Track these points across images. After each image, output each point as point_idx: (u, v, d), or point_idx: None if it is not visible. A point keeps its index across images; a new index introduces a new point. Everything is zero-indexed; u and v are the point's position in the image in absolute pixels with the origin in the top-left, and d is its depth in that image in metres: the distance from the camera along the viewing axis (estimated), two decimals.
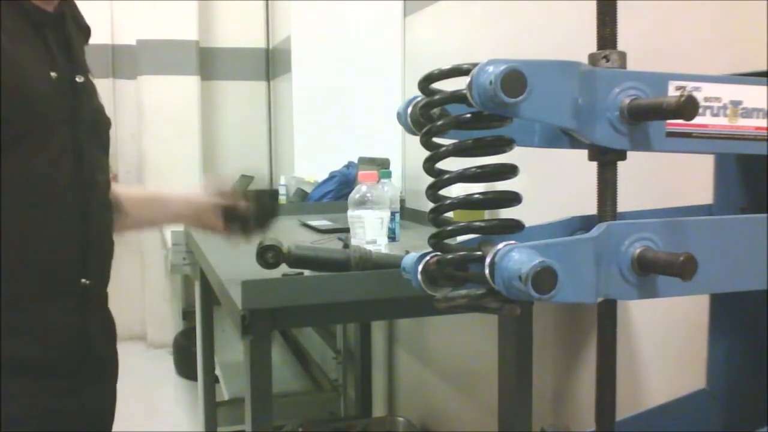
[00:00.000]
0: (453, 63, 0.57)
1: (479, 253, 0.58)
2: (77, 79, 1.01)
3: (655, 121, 0.59)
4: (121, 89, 4.09)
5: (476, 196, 0.60)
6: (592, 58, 0.60)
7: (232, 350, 2.95)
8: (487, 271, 0.54)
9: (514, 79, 0.52)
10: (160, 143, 3.98)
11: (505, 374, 1.39)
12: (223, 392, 2.72)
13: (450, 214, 0.62)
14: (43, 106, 0.94)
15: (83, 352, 1.01)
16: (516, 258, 0.52)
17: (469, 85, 0.53)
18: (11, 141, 0.90)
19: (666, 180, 1.19)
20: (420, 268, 0.62)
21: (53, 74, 0.97)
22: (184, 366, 3.50)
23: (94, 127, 1.04)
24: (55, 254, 0.96)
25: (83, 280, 1.00)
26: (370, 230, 1.53)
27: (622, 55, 0.59)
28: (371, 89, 2.62)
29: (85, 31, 1.09)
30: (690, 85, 0.61)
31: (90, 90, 1.06)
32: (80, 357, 1.01)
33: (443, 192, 0.61)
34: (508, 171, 0.60)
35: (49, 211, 0.95)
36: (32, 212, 0.94)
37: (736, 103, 0.63)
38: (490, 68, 0.52)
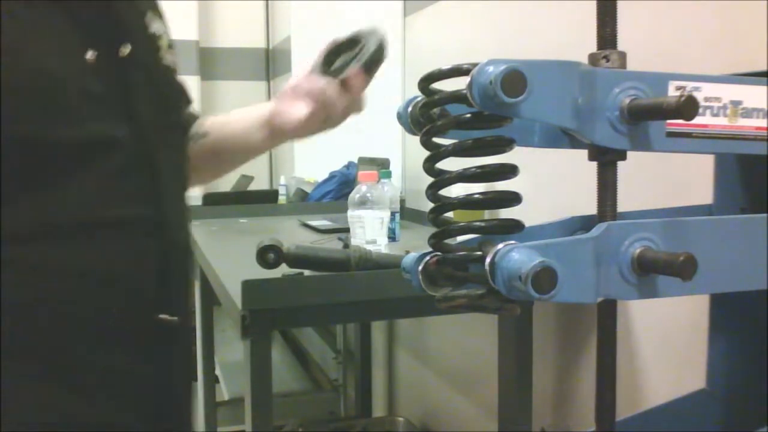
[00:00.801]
0: (453, 63, 0.56)
1: (479, 253, 0.58)
2: (121, 51, 0.76)
3: (655, 121, 0.59)
4: None
5: (476, 196, 0.60)
6: (592, 58, 0.60)
7: (232, 350, 2.95)
8: (487, 271, 0.54)
9: (514, 79, 0.52)
10: None
11: (505, 374, 1.39)
12: (223, 392, 2.72)
13: (450, 214, 0.62)
14: (83, 106, 0.72)
15: (167, 409, 0.83)
16: (516, 258, 0.52)
17: (469, 85, 0.53)
18: (53, 170, 0.70)
19: (666, 180, 1.19)
20: (420, 268, 0.62)
21: (90, 54, 0.72)
22: None
23: (163, 114, 0.82)
24: (126, 287, 0.77)
25: (162, 316, 0.80)
26: (370, 230, 1.53)
27: (622, 55, 0.59)
28: (371, 89, 2.62)
29: None
30: (690, 85, 0.61)
31: (146, 59, 0.80)
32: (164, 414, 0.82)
33: (443, 192, 0.61)
34: (508, 171, 0.60)
35: (112, 240, 0.75)
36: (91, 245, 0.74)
37: (736, 103, 0.63)
38: (490, 68, 0.52)
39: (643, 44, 1.10)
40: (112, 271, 0.75)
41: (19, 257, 0.70)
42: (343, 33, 0.96)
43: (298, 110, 0.93)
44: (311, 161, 3.45)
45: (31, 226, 0.70)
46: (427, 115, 0.61)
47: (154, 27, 0.84)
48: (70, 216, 0.72)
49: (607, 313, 0.64)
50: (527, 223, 0.63)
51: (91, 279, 0.74)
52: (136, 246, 0.77)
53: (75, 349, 0.74)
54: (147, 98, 0.79)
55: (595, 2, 0.60)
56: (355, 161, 2.49)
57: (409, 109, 0.63)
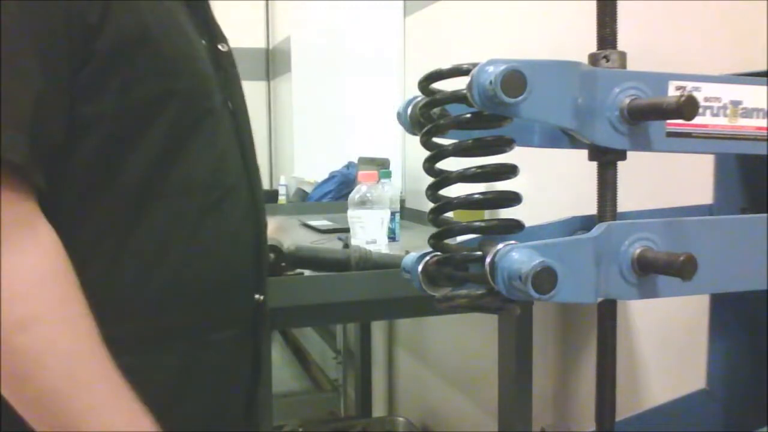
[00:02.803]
0: (453, 63, 0.56)
1: (479, 253, 0.58)
2: (220, 48, 0.87)
3: (655, 121, 0.59)
4: None
5: (476, 196, 0.60)
6: (592, 58, 0.60)
7: None
8: (487, 271, 0.54)
9: (514, 79, 0.52)
10: None
11: (505, 374, 1.39)
12: None
13: (450, 214, 0.62)
14: (210, 83, 0.81)
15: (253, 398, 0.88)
16: (516, 258, 0.52)
17: (469, 85, 0.53)
18: (188, 130, 0.76)
19: (666, 180, 1.19)
20: (420, 268, 0.62)
21: (204, 42, 0.83)
22: None
23: (245, 106, 0.91)
24: (232, 268, 0.81)
25: (257, 296, 0.85)
26: (370, 230, 1.53)
27: (622, 55, 0.59)
28: (371, 89, 2.62)
29: None
30: (690, 85, 0.61)
31: (234, 61, 0.92)
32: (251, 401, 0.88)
33: (443, 192, 0.61)
34: (508, 171, 0.60)
35: (225, 216, 0.80)
36: (207, 220, 0.78)
37: (736, 103, 0.63)
38: (490, 68, 0.52)
39: (643, 44, 1.10)
40: (236, 236, 0.82)
41: (157, 208, 0.74)
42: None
43: None
44: (311, 161, 3.46)
45: (177, 181, 0.76)
46: (427, 115, 0.62)
47: None
48: (205, 175, 0.78)
49: (607, 313, 0.64)
50: (527, 223, 0.63)
51: (222, 240, 0.79)
52: (239, 218, 0.82)
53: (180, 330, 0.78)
54: (240, 89, 0.90)
55: (595, 2, 0.60)
56: (355, 161, 2.49)
57: (409, 109, 0.63)
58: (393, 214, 1.69)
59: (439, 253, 0.62)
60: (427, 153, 0.60)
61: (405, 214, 2.10)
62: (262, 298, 0.86)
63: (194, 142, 0.77)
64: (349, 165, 2.56)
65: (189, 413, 0.79)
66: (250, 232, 0.84)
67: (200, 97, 0.78)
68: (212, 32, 0.87)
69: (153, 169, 0.74)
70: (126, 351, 0.71)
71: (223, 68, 0.86)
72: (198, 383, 0.80)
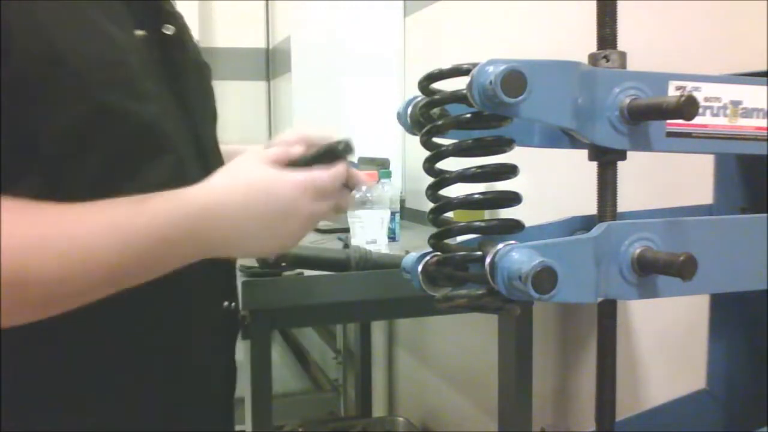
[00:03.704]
0: (453, 63, 0.56)
1: (479, 253, 0.58)
2: (165, 31, 0.77)
3: (655, 121, 0.59)
4: None
5: (476, 196, 0.60)
6: (592, 58, 0.60)
7: None
8: (487, 271, 0.54)
9: (514, 79, 0.52)
10: None
11: (505, 374, 1.39)
12: None
13: (450, 214, 0.62)
14: (142, 83, 0.71)
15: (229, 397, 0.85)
16: (516, 258, 0.52)
17: (469, 85, 0.53)
18: (129, 142, 0.69)
19: (666, 180, 1.19)
20: (420, 268, 0.62)
21: (138, 33, 0.74)
22: None
23: (205, 100, 0.83)
24: (199, 274, 0.74)
25: (226, 303, 0.82)
26: (370, 230, 1.53)
27: (622, 55, 0.59)
28: (371, 89, 2.62)
29: None
30: (690, 85, 0.60)
31: (187, 41, 0.82)
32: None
33: (443, 192, 0.61)
34: (508, 171, 0.60)
35: None
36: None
37: (736, 103, 0.63)
38: (490, 68, 0.52)
39: (643, 44, 1.10)
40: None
41: None
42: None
43: None
44: None
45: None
46: (427, 115, 0.61)
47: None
48: (161, 181, 0.70)
49: (607, 313, 0.64)
50: (527, 223, 0.63)
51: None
52: None
53: (153, 340, 0.74)
54: (192, 80, 0.81)
55: (595, 2, 0.60)
56: (355, 161, 2.49)
57: (409, 109, 0.63)
58: (393, 214, 1.69)
59: (439, 253, 0.62)
60: (427, 153, 0.60)
61: (405, 214, 2.10)
62: (232, 305, 0.82)
63: (141, 152, 0.71)
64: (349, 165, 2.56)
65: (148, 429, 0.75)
66: None
67: (133, 102, 0.70)
68: (155, 15, 0.77)
69: (100, 190, 0.66)
70: (81, 369, 0.69)
71: (169, 55, 0.77)
72: (157, 395, 0.76)
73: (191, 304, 0.77)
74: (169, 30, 0.78)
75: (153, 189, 0.68)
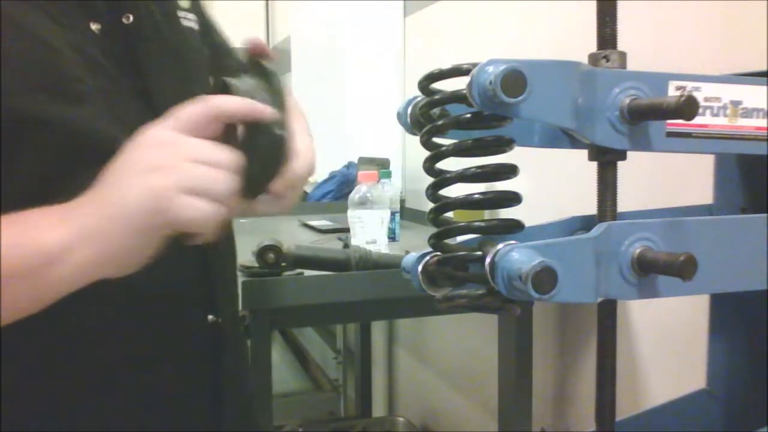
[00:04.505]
0: (453, 63, 0.56)
1: (479, 253, 0.58)
2: (125, 20, 0.72)
3: (655, 121, 0.59)
4: None
5: (476, 196, 0.60)
6: (592, 58, 0.60)
7: None
8: (487, 271, 0.54)
9: (514, 79, 0.52)
10: None
11: (505, 374, 1.39)
12: None
13: (450, 214, 0.62)
14: (86, 78, 0.66)
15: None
16: (516, 258, 0.52)
17: (469, 85, 0.53)
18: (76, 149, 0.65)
19: (666, 180, 1.19)
20: (420, 268, 0.62)
21: (94, 26, 0.69)
22: None
23: (183, 90, 0.73)
24: (163, 289, 0.71)
25: (211, 317, 0.76)
26: (370, 230, 1.53)
27: (622, 55, 0.59)
28: (371, 89, 2.62)
29: None
30: (690, 85, 0.60)
31: (156, 30, 0.75)
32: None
33: (443, 192, 0.61)
34: (508, 171, 0.60)
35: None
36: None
37: (736, 103, 0.63)
38: (490, 68, 0.52)
39: (643, 44, 1.10)
40: (151, 276, 0.66)
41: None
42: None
43: None
44: None
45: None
46: (427, 115, 0.61)
47: None
48: None
49: (607, 313, 0.64)
50: (527, 223, 0.63)
51: (131, 289, 0.67)
52: (173, 247, 0.68)
53: (122, 359, 0.70)
54: (162, 70, 0.74)
55: (595, 2, 0.60)
56: (355, 161, 2.49)
57: (409, 109, 0.63)
58: (393, 214, 1.70)
59: (439, 253, 0.62)
60: (427, 153, 0.60)
61: (405, 214, 2.10)
62: (219, 319, 0.77)
63: (73, 159, 0.65)
64: (349, 165, 2.56)
65: None
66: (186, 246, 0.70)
67: (63, 106, 0.65)
68: (116, 6, 0.72)
69: (31, 201, 0.60)
70: (48, 396, 0.67)
71: (131, 46, 0.72)
72: (123, 411, 0.72)
73: (161, 319, 0.72)
74: (128, 20, 0.72)
75: None
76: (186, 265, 0.74)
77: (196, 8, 0.84)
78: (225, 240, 0.82)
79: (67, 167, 0.65)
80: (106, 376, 0.70)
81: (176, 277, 0.73)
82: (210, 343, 0.78)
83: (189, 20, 0.81)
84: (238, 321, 0.87)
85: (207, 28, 0.87)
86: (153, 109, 0.70)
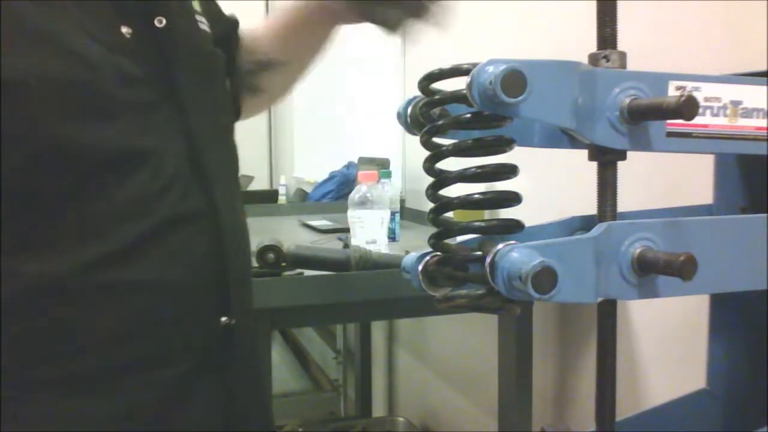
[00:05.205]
0: (453, 63, 0.56)
1: (479, 253, 0.58)
2: (157, 23, 0.71)
3: (655, 121, 0.59)
4: None
5: (476, 196, 0.60)
6: (592, 58, 0.60)
7: None
8: (487, 271, 0.54)
9: (514, 79, 0.52)
10: None
11: (505, 374, 1.39)
12: None
13: (450, 214, 0.62)
14: (122, 93, 0.67)
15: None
16: (516, 258, 0.52)
17: (469, 85, 0.53)
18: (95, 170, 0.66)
19: (666, 180, 1.19)
20: (420, 268, 0.62)
21: (125, 30, 0.69)
22: None
23: (206, 92, 0.77)
24: (178, 291, 0.72)
25: (224, 320, 0.76)
26: (370, 230, 1.53)
27: (622, 55, 0.59)
28: (371, 89, 2.62)
29: None
30: (690, 85, 0.60)
31: (185, 33, 0.75)
32: None
33: (443, 192, 0.61)
34: (508, 171, 0.60)
35: (167, 241, 0.70)
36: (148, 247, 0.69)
37: (736, 103, 0.63)
38: (490, 68, 0.52)
39: (643, 44, 1.10)
40: (165, 278, 0.70)
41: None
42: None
43: None
44: (311, 161, 3.45)
45: (79, 238, 0.66)
46: (427, 115, 0.61)
47: None
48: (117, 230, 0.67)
49: (607, 313, 0.64)
50: (527, 223, 0.63)
51: (147, 289, 0.69)
52: (190, 247, 0.72)
53: (134, 361, 0.70)
54: (191, 75, 0.74)
55: (595, 2, 0.60)
56: (355, 161, 2.49)
57: (409, 109, 0.63)
58: (393, 214, 1.70)
59: (439, 253, 0.62)
60: (427, 153, 0.60)
61: (405, 214, 2.10)
62: (232, 321, 0.76)
63: (103, 176, 0.66)
64: (349, 165, 2.56)
65: None
66: (204, 245, 0.73)
67: (98, 124, 0.65)
68: (146, 8, 0.71)
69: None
70: (51, 395, 0.67)
71: (162, 50, 0.71)
72: (126, 414, 0.71)
73: (176, 319, 0.73)
74: (160, 23, 0.71)
75: (122, 207, 0.67)
76: (204, 264, 0.74)
77: (206, 11, 0.85)
78: (242, 239, 0.83)
79: (100, 183, 0.66)
80: (119, 376, 0.70)
81: (194, 276, 0.73)
82: (223, 345, 0.77)
83: (203, 24, 0.82)
84: (253, 323, 0.86)
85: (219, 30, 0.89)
86: (182, 113, 0.72)
